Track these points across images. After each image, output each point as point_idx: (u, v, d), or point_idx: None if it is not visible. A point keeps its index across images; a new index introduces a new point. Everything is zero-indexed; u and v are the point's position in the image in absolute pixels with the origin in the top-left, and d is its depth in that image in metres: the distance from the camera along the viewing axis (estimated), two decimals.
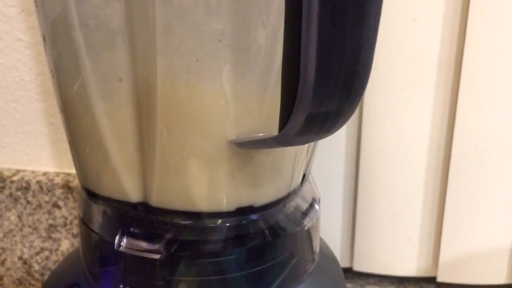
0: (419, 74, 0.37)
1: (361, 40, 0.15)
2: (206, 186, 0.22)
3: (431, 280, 0.43)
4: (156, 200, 0.23)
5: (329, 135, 0.17)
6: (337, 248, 0.43)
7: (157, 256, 0.23)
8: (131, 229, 0.24)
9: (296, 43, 0.15)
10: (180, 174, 0.22)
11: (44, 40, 0.23)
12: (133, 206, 0.24)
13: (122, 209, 0.24)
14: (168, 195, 0.23)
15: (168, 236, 0.23)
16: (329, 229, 0.42)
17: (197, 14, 0.19)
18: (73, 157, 0.26)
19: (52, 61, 0.23)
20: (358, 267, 0.43)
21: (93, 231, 0.25)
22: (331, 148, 0.40)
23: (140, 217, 0.24)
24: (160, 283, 0.24)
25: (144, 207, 0.24)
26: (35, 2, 0.22)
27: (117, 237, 0.24)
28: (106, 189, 0.24)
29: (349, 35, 0.15)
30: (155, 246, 0.23)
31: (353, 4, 0.14)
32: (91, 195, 0.25)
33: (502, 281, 0.41)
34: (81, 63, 0.21)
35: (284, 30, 0.16)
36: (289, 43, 0.16)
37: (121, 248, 0.24)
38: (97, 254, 0.26)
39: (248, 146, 0.21)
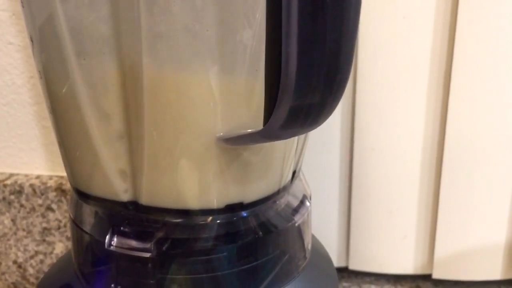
0: (411, 72, 0.37)
1: (342, 32, 0.15)
2: (196, 183, 0.22)
3: (427, 277, 0.43)
4: (146, 199, 0.23)
5: (314, 128, 0.17)
6: (333, 247, 0.43)
7: (147, 255, 0.23)
8: (122, 228, 0.24)
9: (278, 36, 0.15)
10: (169, 172, 0.22)
11: (32, 41, 0.23)
12: (124, 205, 0.24)
13: (112, 209, 0.24)
14: (158, 193, 0.23)
15: (159, 234, 0.23)
16: (324, 229, 0.42)
17: (183, 14, 0.19)
18: (63, 158, 0.26)
19: (40, 62, 0.23)
20: (354, 266, 0.43)
21: (85, 231, 0.25)
22: (325, 147, 0.40)
23: (131, 216, 0.24)
24: (152, 281, 0.24)
25: (134, 206, 0.24)
26: (22, 3, 0.22)
27: (107, 236, 0.24)
28: (97, 189, 0.24)
29: (330, 27, 0.15)
30: (146, 245, 0.23)
31: None
32: (82, 196, 0.25)
33: (497, 276, 0.41)
34: (68, 65, 0.22)
35: (266, 24, 0.16)
36: (271, 37, 0.16)
37: (112, 247, 0.24)
38: (88, 255, 0.26)
39: (235, 142, 0.21)
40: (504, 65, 0.35)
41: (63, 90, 0.23)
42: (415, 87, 0.37)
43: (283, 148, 0.24)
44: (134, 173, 0.23)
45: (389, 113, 0.38)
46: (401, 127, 0.38)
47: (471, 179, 0.39)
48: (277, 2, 0.14)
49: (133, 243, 0.24)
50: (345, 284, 0.44)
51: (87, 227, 0.26)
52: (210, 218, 0.23)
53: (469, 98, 0.36)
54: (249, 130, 0.21)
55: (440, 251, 0.41)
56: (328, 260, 0.31)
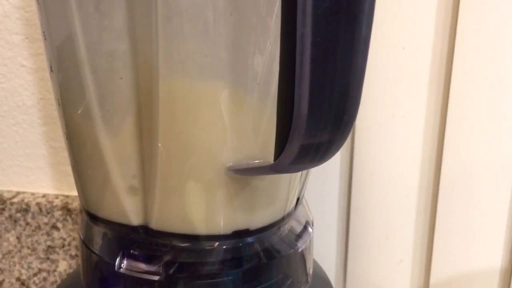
0: (409, 99, 0.38)
1: (350, 78, 0.16)
2: (204, 210, 0.23)
3: None
4: (156, 223, 0.24)
5: (322, 163, 0.18)
6: (331, 270, 0.44)
7: (156, 278, 0.24)
8: (131, 251, 0.25)
9: (290, 80, 0.16)
10: (179, 198, 0.23)
11: (52, 70, 0.24)
12: (134, 229, 0.25)
13: (122, 232, 0.25)
14: (168, 218, 0.24)
15: (167, 258, 0.24)
16: (323, 252, 0.43)
17: (196, 40, 0.20)
18: (75, 181, 0.27)
19: (58, 90, 0.24)
20: None
21: (94, 252, 0.26)
22: (325, 171, 0.41)
23: (140, 239, 0.25)
24: None
25: (144, 230, 0.24)
26: (44, 35, 0.23)
27: (118, 259, 0.24)
28: (107, 212, 0.25)
29: (339, 74, 0.16)
30: (154, 268, 0.24)
31: (343, 46, 0.16)
32: (92, 218, 0.26)
33: None
34: (87, 93, 0.22)
35: (279, 69, 0.17)
36: (284, 80, 0.17)
37: (121, 269, 0.24)
38: (97, 275, 0.26)
39: (245, 173, 0.22)
40: (502, 93, 0.36)
41: (80, 116, 0.24)
42: (413, 113, 0.38)
43: (288, 177, 0.25)
44: (145, 198, 0.24)
45: (388, 138, 0.39)
46: (399, 153, 0.39)
47: (467, 205, 0.39)
48: (291, 50, 0.16)
49: (142, 266, 0.24)
50: None
51: (96, 248, 0.26)
52: (217, 243, 0.24)
53: (467, 125, 0.37)
54: (258, 161, 0.22)
55: (436, 275, 0.42)
56: (328, 284, 0.31)
